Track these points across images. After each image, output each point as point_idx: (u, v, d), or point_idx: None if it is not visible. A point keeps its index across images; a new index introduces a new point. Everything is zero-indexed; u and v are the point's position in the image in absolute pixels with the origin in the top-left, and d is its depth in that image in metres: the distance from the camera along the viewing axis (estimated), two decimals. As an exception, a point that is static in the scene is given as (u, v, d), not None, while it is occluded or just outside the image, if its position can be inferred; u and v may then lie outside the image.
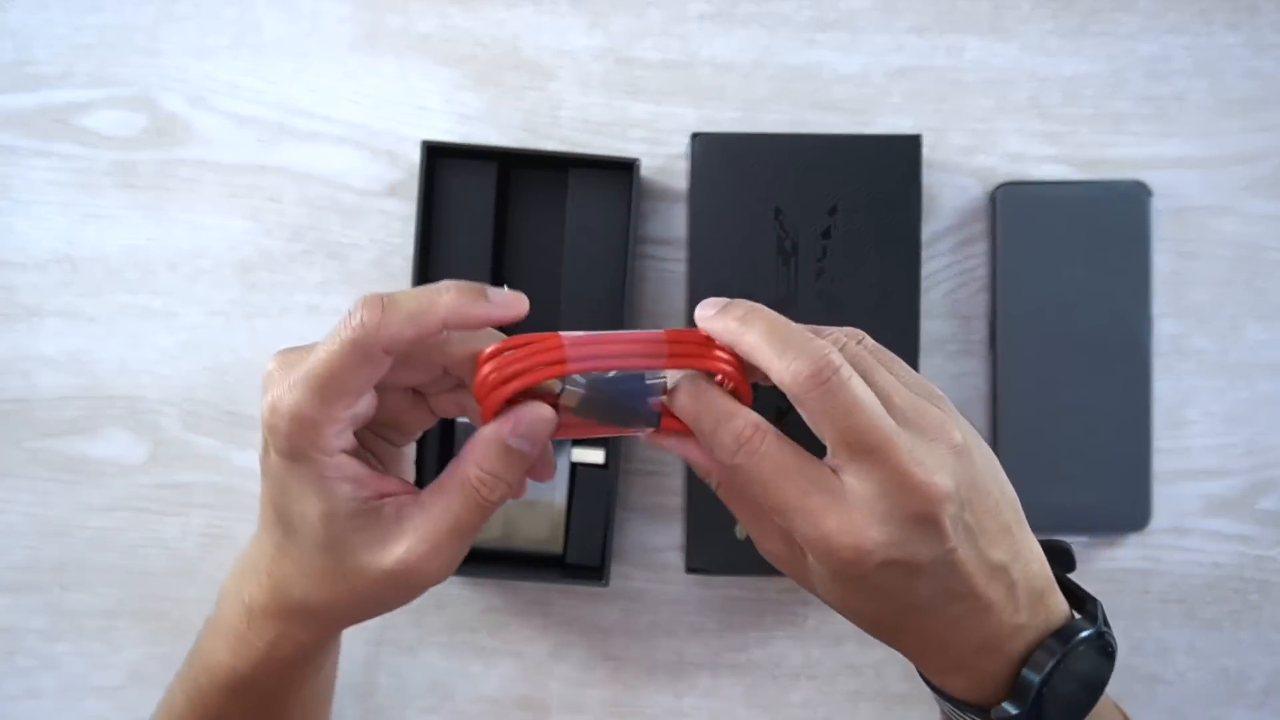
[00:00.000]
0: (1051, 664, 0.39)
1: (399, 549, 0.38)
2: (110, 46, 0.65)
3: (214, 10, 0.65)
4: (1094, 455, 0.62)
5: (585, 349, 0.37)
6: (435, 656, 0.65)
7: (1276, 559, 0.64)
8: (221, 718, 0.45)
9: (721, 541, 0.61)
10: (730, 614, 0.65)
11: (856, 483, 0.37)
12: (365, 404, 0.38)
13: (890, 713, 0.65)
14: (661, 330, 0.39)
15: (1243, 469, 0.64)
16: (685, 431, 0.40)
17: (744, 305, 0.39)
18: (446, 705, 0.65)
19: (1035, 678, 0.39)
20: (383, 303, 0.36)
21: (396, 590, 0.40)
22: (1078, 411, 0.62)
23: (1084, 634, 0.40)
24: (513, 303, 0.37)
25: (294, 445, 0.37)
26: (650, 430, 0.40)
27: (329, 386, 0.36)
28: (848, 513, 0.36)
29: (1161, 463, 0.63)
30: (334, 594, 0.40)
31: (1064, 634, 0.40)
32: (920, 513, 0.36)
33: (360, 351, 0.36)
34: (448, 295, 0.37)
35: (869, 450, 0.36)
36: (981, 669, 0.40)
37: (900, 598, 0.38)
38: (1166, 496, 0.64)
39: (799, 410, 0.37)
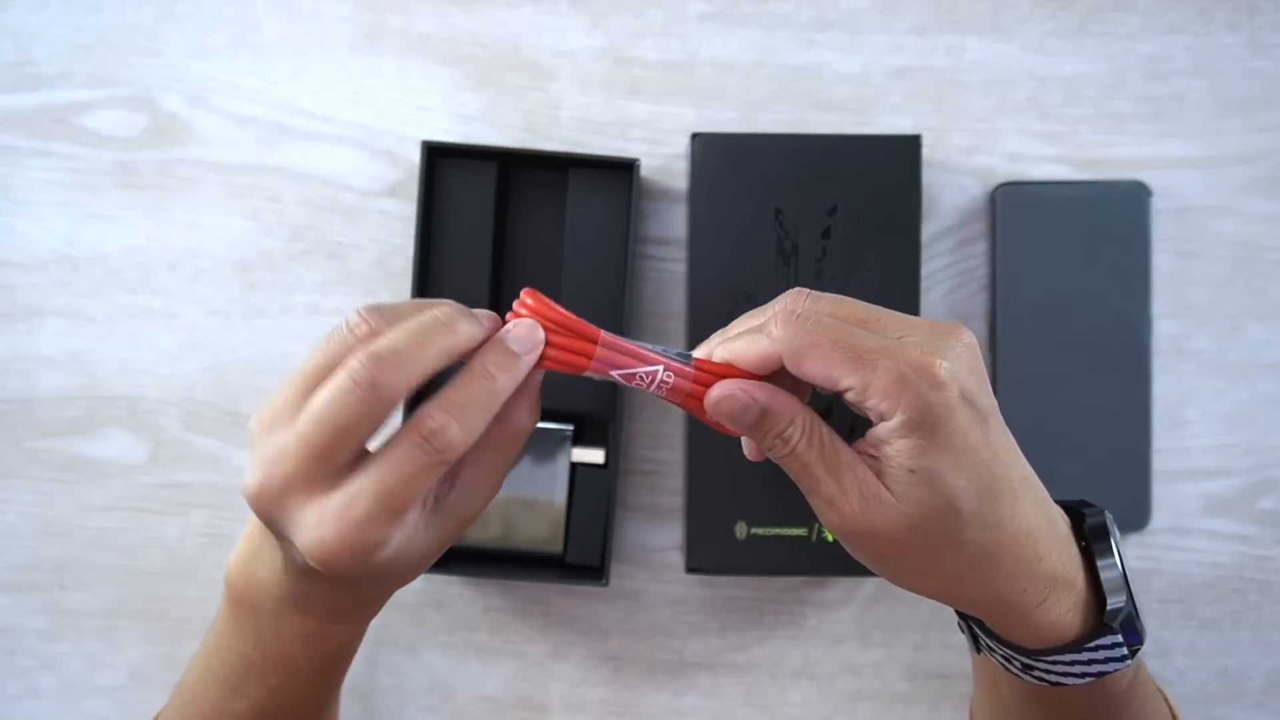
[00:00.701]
0: (1119, 561, 0.41)
1: (474, 508, 0.40)
2: (110, 46, 0.65)
3: (214, 10, 0.65)
4: (1094, 455, 0.62)
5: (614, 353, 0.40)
6: (435, 656, 0.65)
7: (1276, 559, 0.64)
8: (305, 700, 0.46)
9: (721, 541, 0.61)
10: (730, 614, 0.65)
11: (903, 343, 0.39)
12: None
13: (890, 712, 0.65)
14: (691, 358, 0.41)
15: (1242, 469, 0.64)
16: (725, 374, 0.40)
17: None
18: (446, 705, 0.65)
19: (1120, 582, 0.41)
20: (449, 422, 0.37)
21: (447, 545, 0.41)
22: (1078, 411, 0.62)
23: (1104, 521, 0.42)
24: (533, 340, 0.39)
25: (373, 569, 0.38)
26: (688, 371, 0.40)
27: (403, 506, 0.37)
28: (914, 349, 0.38)
29: (1161, 463, 0.64)
30: (391, 588, 0.43)
31: (1098, 533, 0.42)
32: (968, 343, 0.39)
33: (443, 468, 0.37)
34: (502, 382, 0.38)
35: (877, 350, 0.38)
36: (1060, 604, 0.41)
37: (982, 459, 0.38)
38: (1166, 496, 0.64)
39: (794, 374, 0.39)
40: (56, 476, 0.65)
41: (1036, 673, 0.42)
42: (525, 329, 0.39)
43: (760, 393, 0.39)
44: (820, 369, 0.38)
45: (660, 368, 0.40)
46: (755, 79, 0.65)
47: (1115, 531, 0.42)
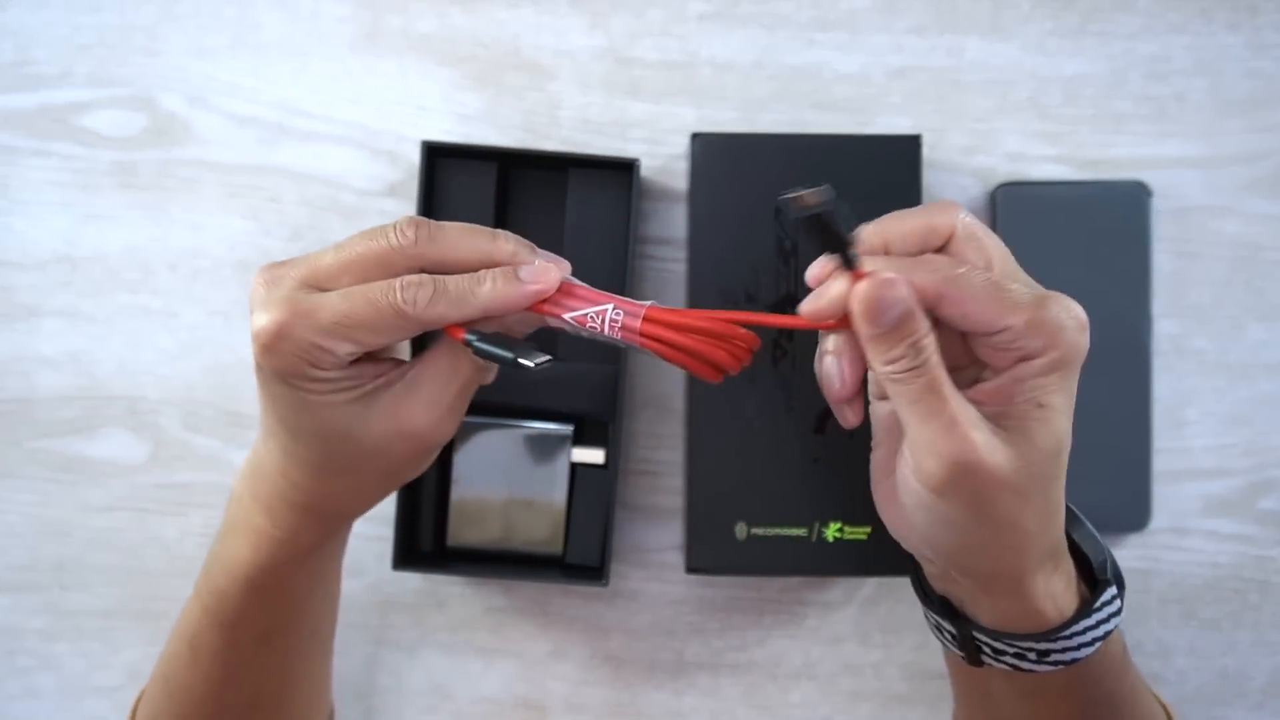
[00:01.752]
0: (1084, 521, 0.44)
1: (416, 419, 0.42)
2: (110, 46, 0.65)
3: (214, 10, 0.65)
4: (1094, 455, 0.62)
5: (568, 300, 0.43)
6: (435, 656, 0.65)
7: (1276, 559, 0.64)
8: (240, 618, 0.47)
9: (721, 541, 0.61)
10: (730, 614, 0.65)
11: (1049, 294, 0.42)
12: None
13: (890, 713, 0.65)
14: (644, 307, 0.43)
15: (1243, 469, 0.64)
16: (679, 324, 0.43)
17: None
18: (446, 705, 0.65)
19: (1094, 539, 0.44)
20: (434, 287, 0.40)
21: (413, 460, 0.44)
22: (1078, 411, 0.62)
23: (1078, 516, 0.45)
24: (543, 277, 0.41)
25: (294, 370, 0.40)
26: (639, 310, 0.43)
27: (353, 335, 0.40)
28: (1062, 299, 0.41)
29: (1161, 463, 0.63)
30: (354, 479, 0.44)
31: (1075, 519, 0.45)
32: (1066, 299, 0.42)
33: (401, 324, 0.40)
34: (487, 286, 0.41)
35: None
36: (1060, 570, 0.42)
37: (1072, 412, 0.42)
38: (1166, 496, 0.64)
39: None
40: (56, 477, 0.65)
41: (1054, 656, 0.42)
42: (542, 268, 0.42)
43: (909, 286, 0.39)
44: (986, 308, 0.40)
45: (610, 306, 0.42)
46: (755, 79, 0.65)
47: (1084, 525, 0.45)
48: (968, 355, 0.42)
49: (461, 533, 0.61)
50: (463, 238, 0.42)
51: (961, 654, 0.45)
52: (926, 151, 0.62)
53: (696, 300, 0.61)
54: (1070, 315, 0.40)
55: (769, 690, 0.65)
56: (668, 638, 0.65)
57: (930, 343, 0.39)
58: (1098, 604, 0.42)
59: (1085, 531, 0.44)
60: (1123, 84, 0.64)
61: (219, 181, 0.65)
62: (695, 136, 0.61)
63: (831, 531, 0.60)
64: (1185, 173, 0.64)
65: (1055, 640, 0.42)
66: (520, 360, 0.41)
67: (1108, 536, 0.63)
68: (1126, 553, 0.64)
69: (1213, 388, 0.64)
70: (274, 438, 0.43)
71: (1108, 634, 0.42)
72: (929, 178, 0.64)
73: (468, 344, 0.41)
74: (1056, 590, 0.42)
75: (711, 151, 0.61)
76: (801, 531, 0.60)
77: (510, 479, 0.61)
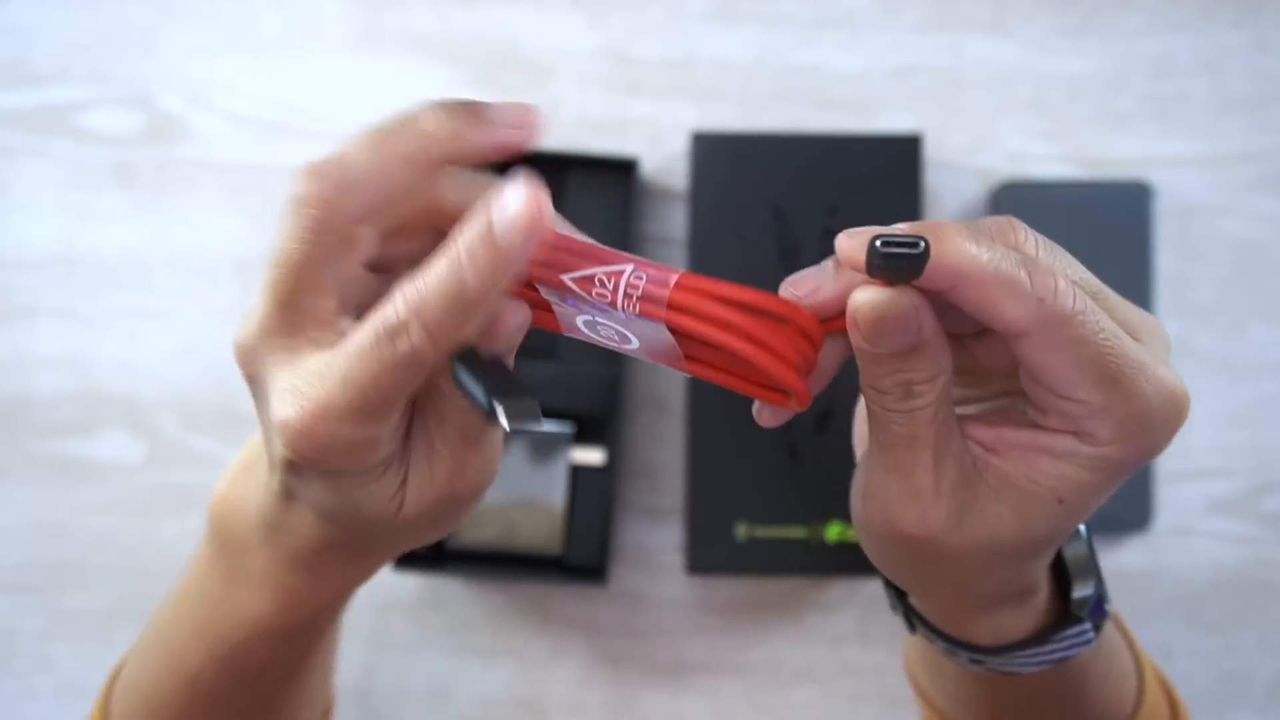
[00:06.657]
0: (1084, 534, 0.37)
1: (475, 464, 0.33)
2: (108, 45, 0.65)
3: (212, 8, 0.65)
4: (1096, 456, 0.62)
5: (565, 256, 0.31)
6: (435, 657, 0.64)
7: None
8: (266, 667, 0.40)
9: (721, 541, 0.60)
10: (730, 614, 0.64)
11: (1159, 361, 0.33)
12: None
13: (891, 714, 0.64)
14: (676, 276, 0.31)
15: (1246, 469, 0.64)
16: (728, 297, 0.30)
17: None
18: (445, 706, 0.64)
19: (1086, 560, 0.36)
20: (326, 172, 0.30)
21: (426, 512, 0.33)
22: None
23: None
24: (527, 204, 0.29)
25: (337, 462, 0.31)
26: (668, 278, 0.30)
27: (376, 408, 0.30)
28: (1169, 375, 0.32)
29: (1164, 463, 0.63)
30: (414, 536, 0.35)
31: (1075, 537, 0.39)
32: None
33: (417, 363, 0.29)
34: (449, 273, 0.29)
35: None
36: (1000, 621, 0.36)
37: None
38: (1169, 497, 0.63)
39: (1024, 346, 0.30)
40: (54, 477, 0.65)
41: (987, 666, 0.37)
42: (520, 202, 0.28)
43: (930, 319, 0.29)
44: (1070, 368, 0.29)
45: (629, 267, 0.30)
46: (756, 77, 0.64)
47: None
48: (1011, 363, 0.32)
49: (461, 534, 0.61)
50: (371, 152, 0.31)
51: (896, 614, 0.40)
52: (928, 151, 0.62)
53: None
54: (1172, 411, 0.31)
55: (769, 691, 0.64)
56: (668, 638, 0.64)
57: (932, 391, 0.30)
58: (1056, 636, 0.36)
59: (1077, 548, 0.37)
60: (1125, 83, 0.64)
61: (217, 181, 0.65)
62: (695, 136, 0.61)
63: (832, 532, 0.60)
64: (1188, 172, 0.64)
65: (988, 656, 0.36)
66: (499, 410, 0.28)
67: (1110, 537, 0.63)
68: (1129, 553, 0.64)
69: (1216, 388, 0.64)
70: (302, 513, 0.35)
71: (1064, 659, 0.36)
72: (930, 177, 0.63)
73: (455, 379, 0.29)
74: (1003, 622, 0.35)
75: (711, 151, 0.61)
76: (801, 532, 0.60)
77: (510, 479, 0.60)
